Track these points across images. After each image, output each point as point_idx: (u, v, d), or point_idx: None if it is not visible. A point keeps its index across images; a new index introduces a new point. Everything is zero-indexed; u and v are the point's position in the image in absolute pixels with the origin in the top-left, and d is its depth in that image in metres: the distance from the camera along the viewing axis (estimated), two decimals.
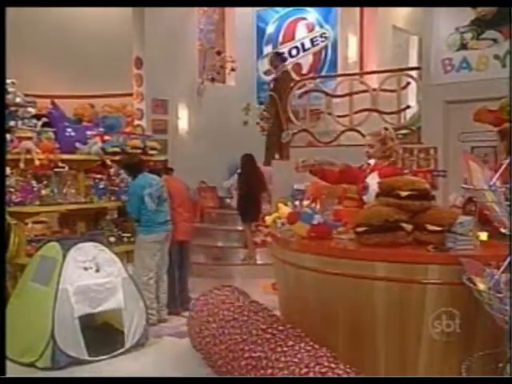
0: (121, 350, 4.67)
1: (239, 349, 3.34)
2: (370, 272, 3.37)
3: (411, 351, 3.31)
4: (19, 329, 4.51)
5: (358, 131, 7.32)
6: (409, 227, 3.46)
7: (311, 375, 2.77)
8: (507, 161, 2.27)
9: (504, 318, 2.23)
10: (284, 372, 2.89)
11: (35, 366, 4.38)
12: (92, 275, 4.69)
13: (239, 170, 8.25)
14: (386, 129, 4.46)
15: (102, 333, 4.87)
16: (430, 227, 3.40)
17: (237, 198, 8.33)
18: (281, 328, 3.39)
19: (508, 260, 2.22)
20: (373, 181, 4.06)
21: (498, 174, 2.32)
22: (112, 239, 5.93)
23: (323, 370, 2.78)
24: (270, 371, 2.97)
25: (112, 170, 6.08)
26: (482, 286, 2.41)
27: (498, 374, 2.47)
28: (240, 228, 8.28)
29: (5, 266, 4.73)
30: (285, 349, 3.09)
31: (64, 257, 4.60)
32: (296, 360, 2.93)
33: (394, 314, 3.35)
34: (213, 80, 9.76)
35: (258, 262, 7.92)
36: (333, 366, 2.83)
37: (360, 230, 3.56)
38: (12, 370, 4.12)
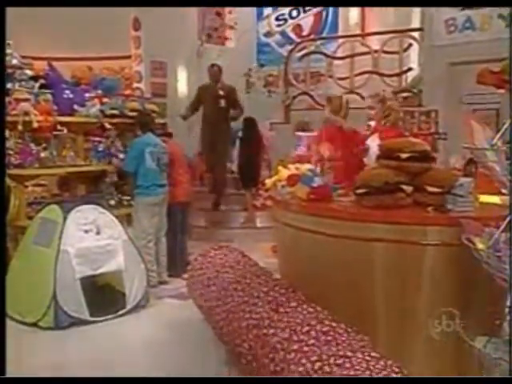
0: (122, 311, 4.74)
1: (240, 310, 3.36)
2: (369, 234, 3.38)
3: (410, 312, 3.35)
4: (21, 289, 4.56)
5: (358, 94, 7.26)
6: (409, 189, 3.45)
7: (313, 333, 2.78)
8: (509, 121, 2.25)
9: (503, 277, 2.25)
10: (286, 331, 2.90)
11: (38, 326, 4.45)
12: (92, 238, 4.72)
13: (240, 134, 8.19)
14: (384, 90, 4.55)
15: (103, 294, 4.94)
16: (430, 189, 3.39)
17: (238, 163, 8.30)
18: (282, 291, 3.40)
19: (508, 219, 2.22)
20: (373, 143, 4.06)
21: (499, 134, 2.31)
22: (112, 202, 5.95)
23: (325, 329, 2.80)
24: (272, 331, 2.98)
25: (111, 133, 6.04)
26: (481, 246, 2.42)
27: (494, 331, 2.50)
28: (240, 191, 8.29)
29: (5, 229, 4.76)
30: (287, 310, 3.11)
31: (64, 219, 4.63)
32: (298, 320, 2.95)
33: (393, 276, 3.37)
34: (209, 36, 9.61)
35: (258, 225, 7.95)
36: (334, 324, 2.86)
37: (360, 191, 3.56)
38: (15, 330, 4.22)
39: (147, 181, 5.50)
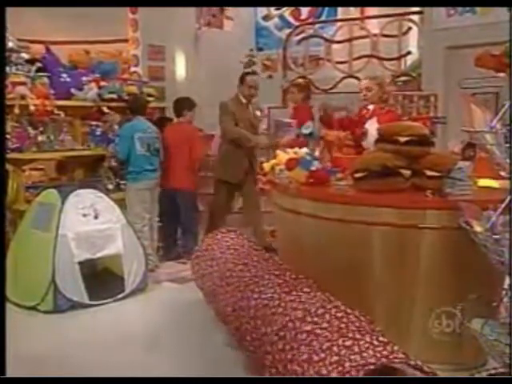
0: (121, 295, 4.76)
1: (249, 289, 3.33)
2: (368, 217, 3.39)
3: (408, 296, 3.37)
4: (20, 274, 4.58)
5: (357, 78, 7.22)
6: (407, 173, 3.46)
7: (327, 317, 2.76)
8: (508, 103, 2.24)
9: (500, 260, 2.26)
10: (298, 311, 2.87)
11: (37, 310, 4.47)
12: (91, 222, 4.73)
13: None
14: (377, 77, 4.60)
15: (102, 278, 4.95)
16: (429, 173, 3.40)
17: None
18: (294, 276, 3.37)
19: (507, 201, 2.23)
20: (372, 126, 4.05)
21: (498, 116, 2.30)
22: (110, 186, 5.93)
23: (339, 315, 2.78)
24: (281, 310, 2.95)
25: (108, 117, 6.02)
26: (479, 229, 2.42)
27: (490, 313, 2.52)
28: None
29: (5, 213, 4.75)
30: (300, 293, 3.07)
31: (62, 203, 4.63)
32: (312, 301, 2.93)
33: (392, 260, 3.39)
34: (207, 20, 9.50)
35: None
36: (348, 311, 2.84)
37: (358, 175, 3.56)
38: (15, 314, 4.25)
39: (138, 166, 5.51)
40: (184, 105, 6.02)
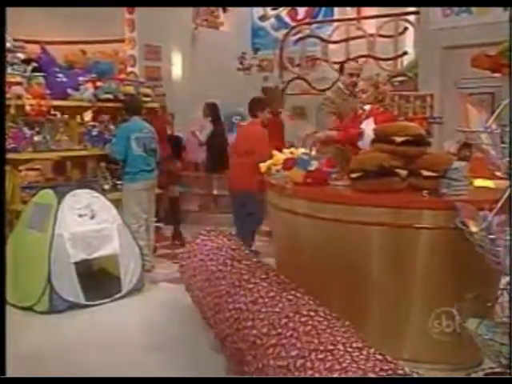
0: (117, 295, 4.75)
1: (224, 301, 3.32)
2: (364, 217, 3.39)
3: (406, 296, 3.37)
4: (16, 274, 4.56)
5: None
6: (404, 173, 3.46)
7: (291, 325, 2.74)
8: (504, 102, 2.25)
9: (496, 260, 2.27)
10: (264, 323, 2.86)
11: (33, 310, 4.47)
12: (87, 222, 4.72)
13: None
14: (377, 74, 4.55)
15: (98, 278, 4.94)
16: (425, 173, 3.40)
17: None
18: (263, 276, 3.33)
19: (502, 201, 2.23)
20: (368, 127, 4.05)
21: (494, 116, 2.30)
22: (106, 186, 5.92)
23: (303, 319, 2.75)
24: (250, 323, 2.94)
25: (105, 117, 6.01)
26: (474, 229, 2.43)
27: (486, 313, 2.53)
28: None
29: (5, 215, 4.74)
30: (266, 300, 3.05)
31: (59, 204, 4.62)
32: (277, 310, 2.90)
33: (388, 259, 3.39)
34: (204, 20, 9.51)
35: None
36: (312, 314, 2.79)
37: (355, 175, 3.56)
38: (12, 315, 4.20)
39: (135, 167, 5.51)
40: (258, 105, 5.72)
